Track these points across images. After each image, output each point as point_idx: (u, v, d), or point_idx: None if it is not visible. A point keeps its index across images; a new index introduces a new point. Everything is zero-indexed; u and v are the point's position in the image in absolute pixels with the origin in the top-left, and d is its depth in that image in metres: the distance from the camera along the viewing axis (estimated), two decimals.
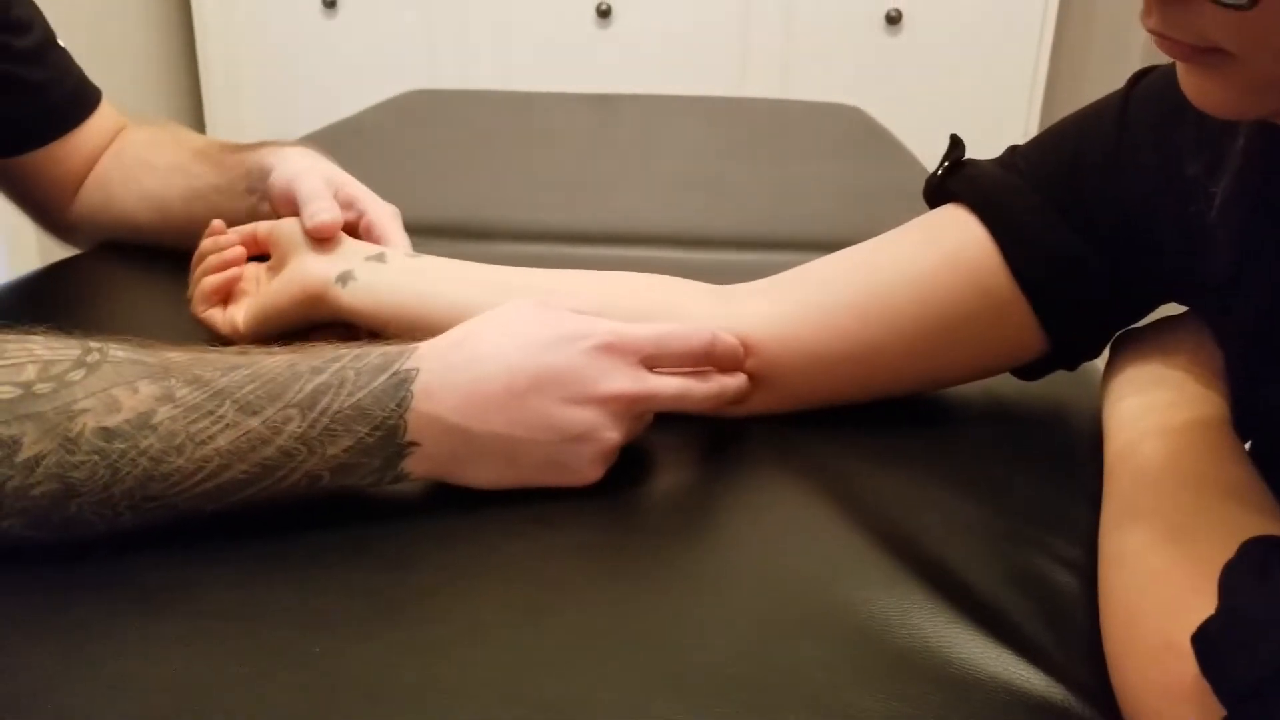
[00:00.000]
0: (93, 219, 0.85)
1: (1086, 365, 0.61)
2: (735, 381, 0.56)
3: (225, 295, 0.68)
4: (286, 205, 0.70)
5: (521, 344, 0.50)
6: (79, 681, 0.39)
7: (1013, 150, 0.59)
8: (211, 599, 0.44)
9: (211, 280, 0.67)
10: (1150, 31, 0.39)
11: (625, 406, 0.51)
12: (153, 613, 0.43)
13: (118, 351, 0.46)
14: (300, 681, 0.39)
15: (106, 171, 0.84)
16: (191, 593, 0.44)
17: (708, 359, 0.54)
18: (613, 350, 0.51)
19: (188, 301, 0.69)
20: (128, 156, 0.84)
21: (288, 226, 0.67)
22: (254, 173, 0.76)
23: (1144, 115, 0.53)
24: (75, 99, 0.82)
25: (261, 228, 0.69)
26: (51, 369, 0.44)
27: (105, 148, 0.84)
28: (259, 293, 0.67)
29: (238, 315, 0.66)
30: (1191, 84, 0.40)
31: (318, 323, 0.64)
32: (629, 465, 0.53)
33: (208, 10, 2.42)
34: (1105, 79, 0.57)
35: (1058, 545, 0.50)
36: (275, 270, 0.67)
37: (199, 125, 2.47)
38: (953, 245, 0.57)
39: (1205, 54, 0.38)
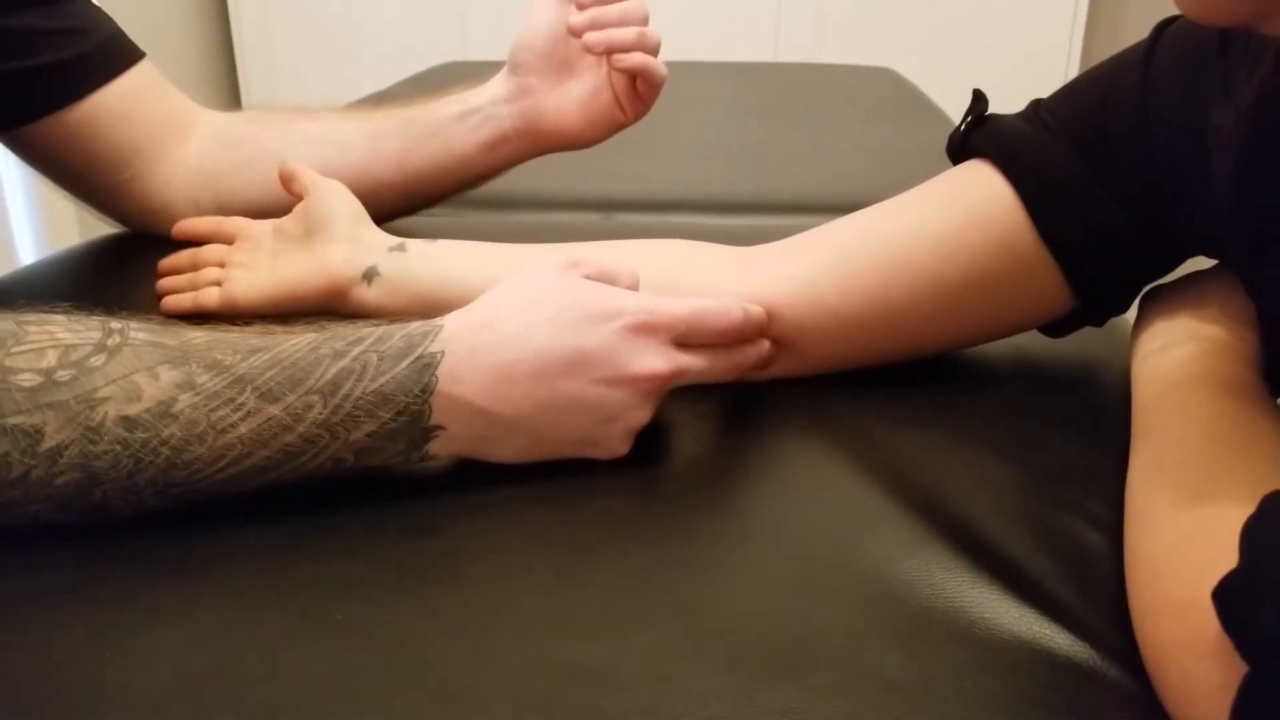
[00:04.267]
0: (199, 214, 0.80)
1: (1115, 321, 0.60)
2: (758, 349, 0.56)
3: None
4: None
5: (550, 325, 0.49)
6: (113, 647, 0.40)
7: (1036, 104, 0.58)
8: (240, 568, 0.45)
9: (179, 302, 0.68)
10: None
11: (657, 386, 0.50)
12: (183, 582, 0.44)
13: (138, 334, 0.46)
14: (326, 646, 0.40)
15: (213, 165, 0.80)
16: (220, 563, 0.45)
17: (738, 336, 0.54)
18: (645, 330, 0.50)
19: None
20: (249, 145, 0.81)
21: (329, 196, 0.66)
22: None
23: (1169, 64, 0.52)
24: (103, 52, 0.77)
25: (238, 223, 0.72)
26: (72, 354, 0.44)
27: (154, 118, 0.80)
28: (272, 270, 0.66)
29: (235, 290, 0.66)
30: None
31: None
32: (654, 432, 0.53)
33: None
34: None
35: (1085, 503, 0.49)
36: (293, 239, 0.66)
37: (234, 98, 2.49)
38: (976, 202, 0.56)
39: None
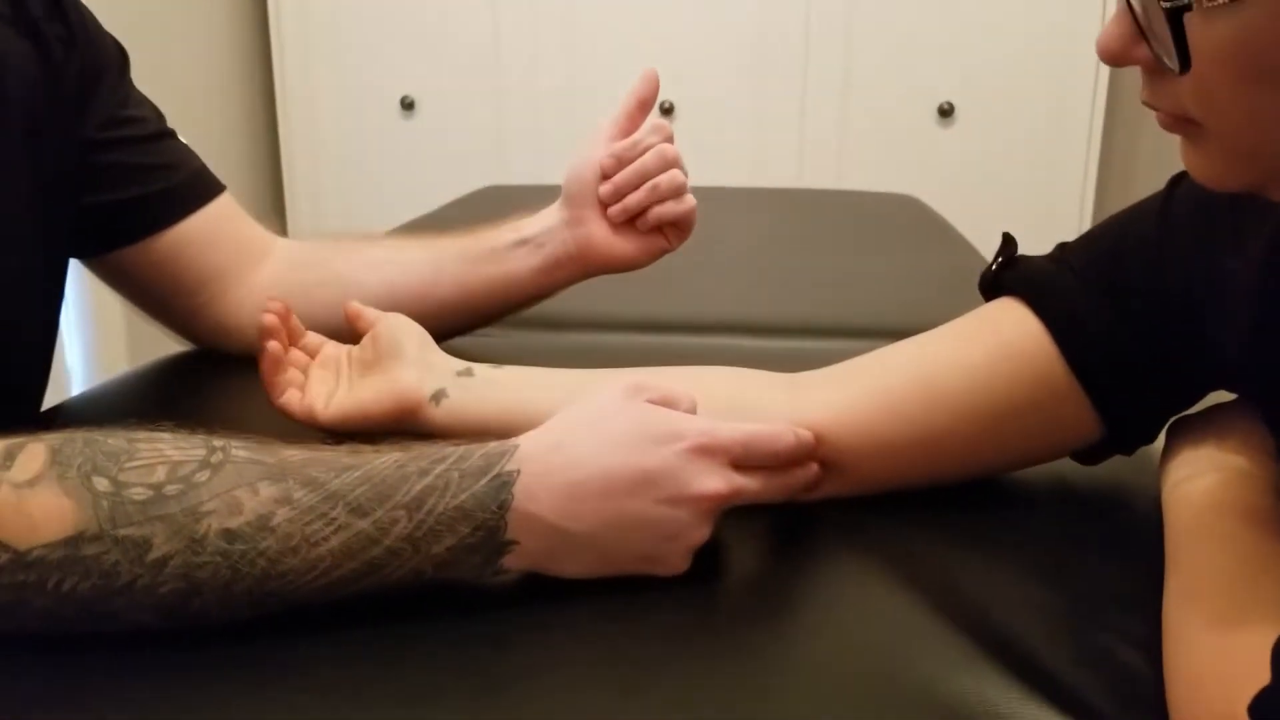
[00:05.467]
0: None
1: (1144, 450, 0.63)
2: (808, 472, 0.59)
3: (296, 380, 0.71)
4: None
5: (617, 446, 0.52)
6: None
7: (1062, 247, 0.62)
8: (319, 675, 0.48)
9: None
10: (1144, 104, 0.44)
11: (715, 505, 0.53)
12: (265, 687, 0.47)
13: (239, 451, 0.50)
14: None
15: (284, 288, 0.84)
16: (305, 670, 0.48)
17: (789, 459, 0.57)
18: (704, 452, 0.53)
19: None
20: (319, 269, 0.86)
21: (396, 325, 0.71)
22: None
23: (1184, 212, 0.57)
24: (190, 185, 0.83)
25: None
26: (179, 470, 0.48)
27: (232, 245, 0.85)
28: (349, 390, 0.70)
29: (316, 404, 0.69)
30: (1184, 155, 0.44)
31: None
32: (710, 552, 0.56)
33: (292, 110, 2.56)
34: (1156, 168, 0.60)
35: (1123, 623, 0.52)
36: (367, 364, 0.70)
37: (281, 222, 2.59)
38: (1009, 336, 0.60)
39: (1183, 124, 0.43)
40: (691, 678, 0.48)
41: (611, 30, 2.42)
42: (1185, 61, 0.39)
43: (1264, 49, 0.38)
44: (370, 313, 0.74)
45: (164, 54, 2.22)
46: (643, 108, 0.83)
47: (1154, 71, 0.43)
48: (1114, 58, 0.43)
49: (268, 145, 2.64)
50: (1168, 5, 0.38)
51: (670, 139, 0.81)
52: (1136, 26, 0.42)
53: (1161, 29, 0.40)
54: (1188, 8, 0.38)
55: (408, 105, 2.52)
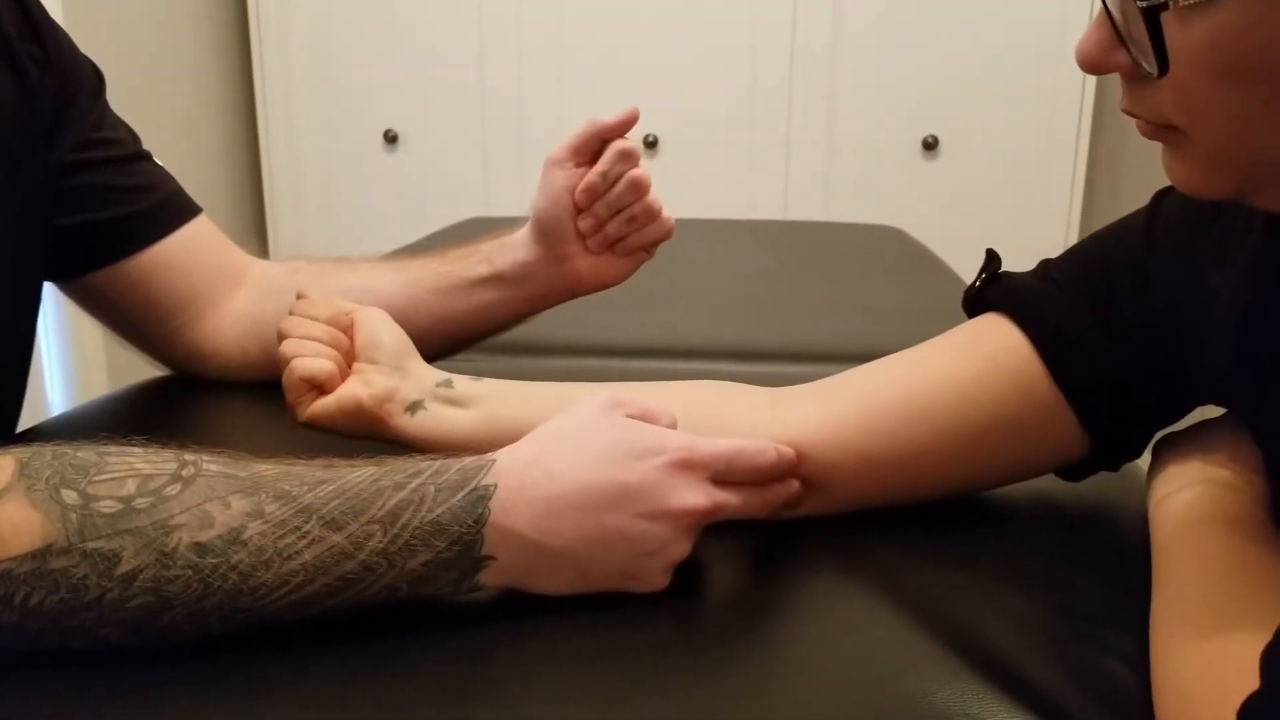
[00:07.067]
0: (245, 359, 0.85)
1: (1129, 466, 0.63)
2: (789, 489, 0.59)
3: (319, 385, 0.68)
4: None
5: (595, 460, 0.52)
6: None
7: (1046, 263, 0.62)
8: (301, 693, 0.47)
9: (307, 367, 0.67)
10: (1124, 112, 0.43)
11: (695, 521, 0.53)
12: (250, 703, 0.46)
13: (211, 465, 0.49)
14: None
15: (259, 313, 0.84)
16: (283, 686, 0.47)
17: (771, 475, 0.57)
18: (685, 467, 0.53)
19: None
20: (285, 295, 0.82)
21: (374, 323, 0.70)
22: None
23: (1168, 228, 0.57)
24: (165, 207, 0.82)
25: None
26: (150, 483, 0.47)
27: (208, 269, 0.84)
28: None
29: (298, 403, 0.67)
30: (1165, 163, 0.44)
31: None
32: (690, 569, 0.55)
33: (275, 143, 2.56)
34: (1142, 201, 0.61)
35: (1110, 637, 0.51)
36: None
37: (264, 255, 2.58)
38: (994, 350, 0.59)
39: (1164, 131, 0.43)
40: (672, 692, 0.47)
41: (598, 64, 2.44)
42: (1164, 64, 0.40)
43: (1240, 49, 0.38)
44: (346, 304, 0.73)
45: (146, 86, 2.23)
46: (599, 139, 0.80)
47: (1133, 78, 0.43)
48: (1093, 64, 0.43)
49: (250, 178, 2.64)
50: (1144, 5, 0.38)
51: (636, 162, 0.81)
52: (1115, 32, 0.42)
53: (1139, 32, 0.40)
54: (1164, 7, 0.38)
55: (391, 138, 2.52)
